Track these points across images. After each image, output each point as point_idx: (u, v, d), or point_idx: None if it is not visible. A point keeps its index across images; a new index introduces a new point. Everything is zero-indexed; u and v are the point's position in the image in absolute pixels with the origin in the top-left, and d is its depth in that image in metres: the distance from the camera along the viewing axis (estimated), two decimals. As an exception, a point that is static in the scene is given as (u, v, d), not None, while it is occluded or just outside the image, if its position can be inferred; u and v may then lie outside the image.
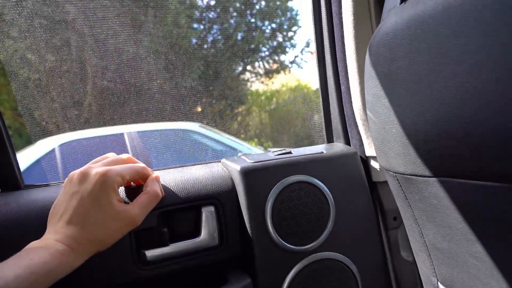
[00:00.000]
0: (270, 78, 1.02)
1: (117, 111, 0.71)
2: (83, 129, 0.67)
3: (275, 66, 1.01)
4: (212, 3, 0.86)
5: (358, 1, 0.59)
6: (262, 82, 1.01)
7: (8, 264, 0.36)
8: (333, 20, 0.66)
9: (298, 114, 0.97)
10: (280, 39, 0.95)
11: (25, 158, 0.70)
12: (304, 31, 0.97)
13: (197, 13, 0.86)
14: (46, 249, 0.39)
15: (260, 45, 0.94)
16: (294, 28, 0.94)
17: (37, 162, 0.69)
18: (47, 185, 0.57)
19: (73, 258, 0.40)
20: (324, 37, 0.70)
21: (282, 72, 1.02)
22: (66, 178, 0.45)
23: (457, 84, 0.30)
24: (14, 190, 0.54)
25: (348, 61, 0.63)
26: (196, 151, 0.66)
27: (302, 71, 1.06)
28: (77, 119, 0.71)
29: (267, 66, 0.99)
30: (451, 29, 0.30)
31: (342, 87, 0.68)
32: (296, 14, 0.93)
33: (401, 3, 0.37)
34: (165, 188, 0.54)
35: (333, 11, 0.65)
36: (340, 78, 0.68)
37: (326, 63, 0.71)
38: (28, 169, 0.69)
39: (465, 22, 0.28)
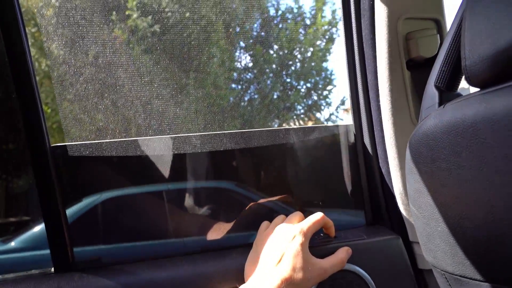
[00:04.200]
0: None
1: (158, 169, 0.74)
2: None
3: (310, 123, 1.02)
4: (250, 65, 0.91)
5: (396, 92, 0.60)
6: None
7: None
8: (371, 106, 0.66)
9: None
10: (315, 97, 0.97)
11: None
12: (339, 89, 0.98)
13: (235, 75, 0.90)
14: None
15: (296, 103, 0.97)
16: (328, 87, 0.96)
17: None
18: (97, 266, 0.59)
19: None
20: (362, 120, 0.70)
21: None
22: (265, 229, 0.57)
23: (505, 192, 0.29)
24: (67, 269, 0.57)
25: (388, 147, 0.63)
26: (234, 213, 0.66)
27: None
28: (118, 176, 0.74)
29: (302, 123, 1.00)
30: (495, 140, 0.29)
31: (383, 170, 0.67)
32: (331, 74, 0.96)
33: (439, 106, 0.37)
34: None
35: (370, 98, 0.66)
36: (380, 161, 0.67)
37: (365, 141, 0.70)
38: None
39: (509, 134, 0.28)
